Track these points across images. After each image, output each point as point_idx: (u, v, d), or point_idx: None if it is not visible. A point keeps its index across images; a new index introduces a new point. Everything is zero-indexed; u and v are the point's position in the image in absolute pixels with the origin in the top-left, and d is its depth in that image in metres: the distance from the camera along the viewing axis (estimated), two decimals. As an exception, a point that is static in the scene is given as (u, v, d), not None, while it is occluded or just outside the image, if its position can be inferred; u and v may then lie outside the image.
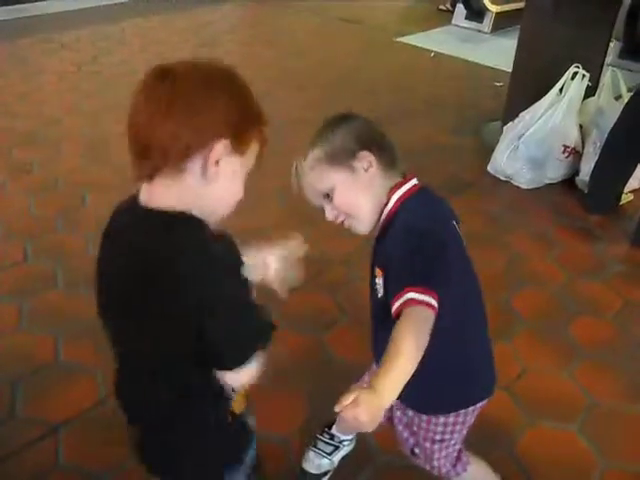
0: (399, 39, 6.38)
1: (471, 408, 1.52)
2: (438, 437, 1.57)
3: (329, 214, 1.45)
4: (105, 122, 4.26)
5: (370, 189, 1.41)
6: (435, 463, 1.64)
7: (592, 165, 3.51)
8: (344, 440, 1.98)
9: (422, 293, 1.20)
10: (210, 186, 1.10)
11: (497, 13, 6.57)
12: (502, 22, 6.55)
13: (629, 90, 3.58)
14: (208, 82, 1.10)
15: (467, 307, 1.46)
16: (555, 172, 3.74)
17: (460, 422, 1.53)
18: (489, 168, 3.87)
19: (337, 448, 1.98)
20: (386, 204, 1.41)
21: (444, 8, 7.37)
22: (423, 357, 1.16)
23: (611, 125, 3.37)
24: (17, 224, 3.16)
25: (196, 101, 1.07)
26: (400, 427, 1.67)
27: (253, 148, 1.14)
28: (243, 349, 1.15)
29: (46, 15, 6.46)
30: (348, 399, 1.09)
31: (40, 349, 2.41)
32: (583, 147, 3.71)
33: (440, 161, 3.92)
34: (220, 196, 1.14)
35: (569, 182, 3.77)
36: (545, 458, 2.09)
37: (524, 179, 3.72)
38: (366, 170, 1.40)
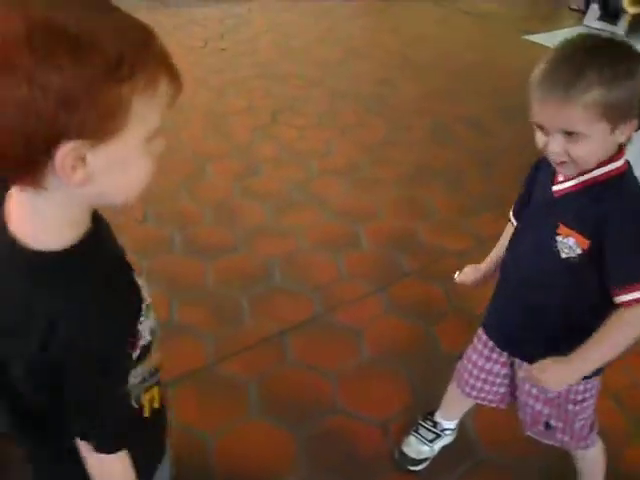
0: (526, 37, 6.21)
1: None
2: (580, 397, 1.58)
3: (555, 147, 1.31)
4: (227, 97, 4.36)
5: (606, 151, 1.33)
6: (577, 425, 1.62)
7: None
8: (446, 429, 1.98)
9: None
10: (86, 189, 0.81)
11: (634, 15, 6.27)
12: (639, 25, 6.25)
13: None
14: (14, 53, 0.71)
15: None
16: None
17: (598, 383, 1.58)
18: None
19: (438, 436, 1.98)
20: (600, 165, 1.34)
21: (576, 7, 7.11)
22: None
23: None
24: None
25: (12, 88, 0.71)
26: (531, 401, 1.63)
27: (141, 107, 0.79)
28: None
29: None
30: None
31: (155, 306, 2.49)
32: None
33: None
34: (109, 192, 0.85)
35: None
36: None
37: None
38: (619, 137, 1.31)
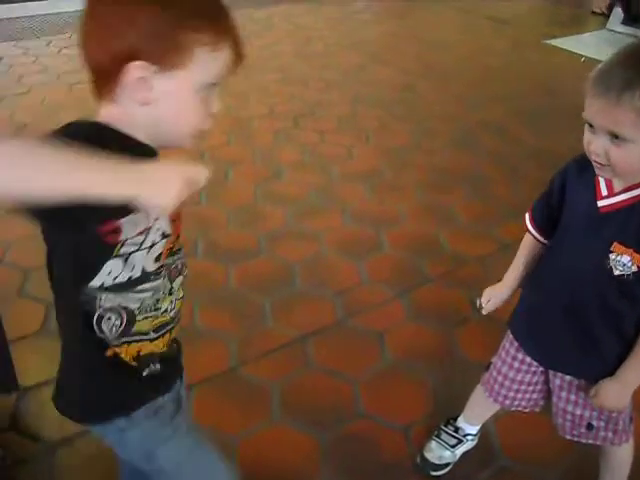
0: (548, 41, 6.18)
1: None
2: None
3: (597, 148, 1.30)
4: (251, 102, 4.39)
5: None
6: (620, 424, 1.61)
7: None
8: (468, 434, 1.98)
9: None
10: (149, 109, 1.00)
11: (658, 19, 6.23)
12: (662, 29, 6.21)
13: None
14: None
15: None
16: None
17: None
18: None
19: (460, 442, 1.98)
20: None
21: (599, 11, 7.07)
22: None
23: None
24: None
25: (107, 14, 0.97)
26: (570, 407, 1.62)
27: (202, 58, 0.99)
28: None
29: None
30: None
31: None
32: None
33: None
34: (164, 118, 1.03)
35: None
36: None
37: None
38: None
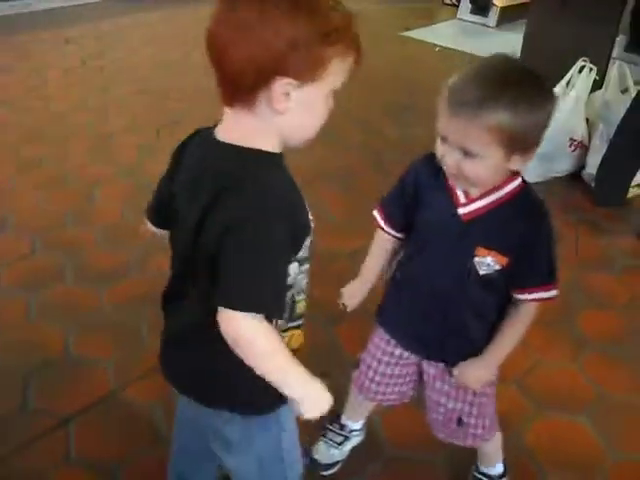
0: (404, 33, 6.36)
1: None
2: (487, 389, 1.65)
3: (450, 161, 1.36)
4: (110, 117, 4.27)
5: (496, 176, 1.39)
6: (487, 421, 1.69)
7: (599, 158, 3.51)
8: (353, 430, 2.00)
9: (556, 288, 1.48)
10: (284, 117, 1.08)
11: (502, 7, 6.54)
12: (508, 16, 6.52)
13: (636, 83, 3.57)
14: (265, 4, 1.02)
15: None
16: (562, 166, 3.74)
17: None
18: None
19: (347, 438, 2.00)
20: (501, 187, 1.41)
21: (449, 2, 7.35)
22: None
23: (618, 119, 3.36)
24: (25, 219, 3.16)
25: (256, 29, 1.01)
26: (443, 399, 1.66)
27: (335, 68, 1.07)
28: (239, 287, 1.06)
29: (49, 10, 6.43)
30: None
31: (50, 342, 2.41)
32: (590, 141, 3.71)
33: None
34: (297, 125, 1.12)
35: (575, 176, 3.76)
36: (555, 450, 2.10)
37: (531, 173, 3.70)
38: (512, 165, 1.36)
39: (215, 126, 1.16)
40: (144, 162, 3.68)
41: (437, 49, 5.88)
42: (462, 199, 1.44)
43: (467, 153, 1.32)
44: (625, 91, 3.65)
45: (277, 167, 1.14)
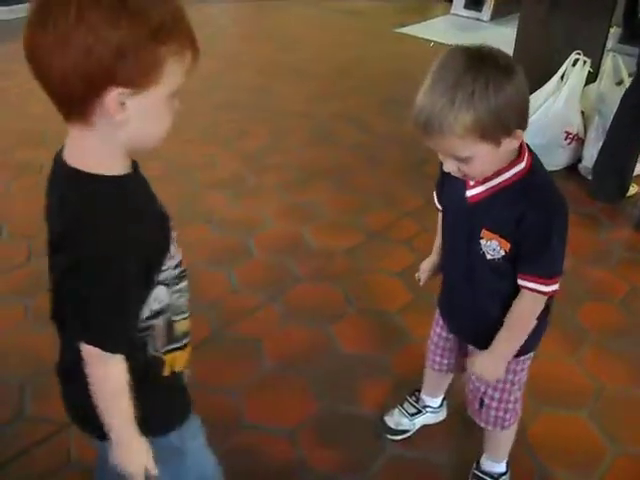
0: (398, 30, 6.35)
1: (533, 352, 1.69)
2: (515, 377, 1.68)
3: (450, 168, 1.40)
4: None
5: (501, 161, 1.40)
6: (510, 406, 1.72)
7: (594, 151, 3.50)
8: (427, 406, 2.09)
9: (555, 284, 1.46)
10: (125, 129, 1.00)
11: (496, 1, 6.54)
12: (501, 10, 6.52)
13: (630, 75, 3.56)
14: (83, 6, 0.91)
15: None
16: (558, 159, 3.72)
17: (528, 364, 1.70)
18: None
19: (419, 412, 2.10)
20: (502, 172, 1.42)
21: (443, -3, 7.32)
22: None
23: (613, 110, 3.36)
24: (21, 224, 3.15)
25: (75, 35, 0.90)
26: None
27: (171, 68, 0.98)
28: (84, 321, 1.07)
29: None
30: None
31: (47, 348, 2.38)
32: (585, 133, 3.70)
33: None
34: (142, 134, 1.04)
35: (571, 169, 3.75)
36: (554, 444, 2.09)
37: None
38: (509, 145, 1.36)
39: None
40: (144, 163, 3.66)
41: (432, 44, 5.86)
42: (470, 182, 1.48)
43: (459, 159, 1.36)
44: (620, 83, 3.64)
45: (119, 196, 1.05)
